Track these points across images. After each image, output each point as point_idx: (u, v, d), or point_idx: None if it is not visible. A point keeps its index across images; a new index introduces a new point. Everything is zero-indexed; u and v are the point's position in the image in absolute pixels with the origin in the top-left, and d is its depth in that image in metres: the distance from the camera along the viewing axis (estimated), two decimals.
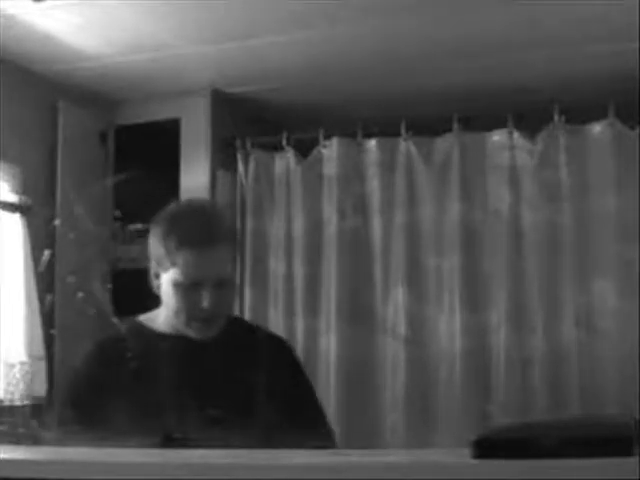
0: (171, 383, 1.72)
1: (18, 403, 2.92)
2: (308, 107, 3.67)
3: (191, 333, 1.80)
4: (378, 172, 3.38)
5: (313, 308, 3.37)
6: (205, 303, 1.75)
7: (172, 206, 1.96)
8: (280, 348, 1.95)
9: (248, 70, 3.33)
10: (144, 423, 1.57)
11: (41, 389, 3.03)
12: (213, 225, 1.82)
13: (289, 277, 3.43)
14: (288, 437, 1.38)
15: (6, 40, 2.86)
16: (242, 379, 1.79)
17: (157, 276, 1.81)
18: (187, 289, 1.75)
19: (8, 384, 2.89)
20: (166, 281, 1.77)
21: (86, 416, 1.70)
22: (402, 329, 3.26)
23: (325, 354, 3.32)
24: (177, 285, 1.75)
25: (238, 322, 2.04)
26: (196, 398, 1.69)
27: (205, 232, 1.78)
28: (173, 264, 1.75)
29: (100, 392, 1.74)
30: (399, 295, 3.28)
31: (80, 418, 1.71)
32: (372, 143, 3.41)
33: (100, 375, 1.78)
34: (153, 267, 1.81)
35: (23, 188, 3.11)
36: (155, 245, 1.80)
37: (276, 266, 3.46)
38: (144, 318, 1.90)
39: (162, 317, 1.84)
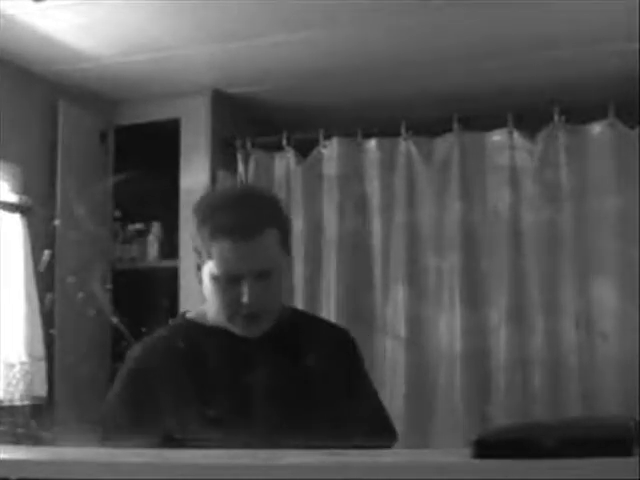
0: (218, 382, 1.64)
1: (18, 403, 2.92)
2: (308, 107, 3.67)
3: (236, 330, 1.66)
4: (378, 172, 3.38)
5: (313, 308, 3.37)
6: (245, 298, 1.60)
7: (210, 192, 1.84)
8: (342, 343, 1.78)
9: (248, 70, 3.33)
10: (194, 424, 1.53)
11: (41, 389, 3.03)
12: (253, 211, 1.64)
13: (289, 276, 3.43)
14: (349, 436, 1.31)
15: (6, 40, 2.86)
16: (295, 379, 1.66)
17: (199, 268, 1.68)
18: (225, 283, 1.62)
19: (8, 384, 2.89)
20: (205, 274, 1.65)
21: (139, 416, 1.61)
22: (402, 329, 3.26)
23: None
24: (214, 279, 1.63)
25: (293, 315, 1.81)
26: (244, 400, 1.61)
27: (243, 219, 1.61)
28: (209, 256, 1.62)
29: (152, 392, 1.64)
30: (399, 295, 3.28)
31: (134, 419, 1.62)
32: (372, 143, 3.41)
33: (151, 376, 1.68)
34: (195, 259, 1.68)
35: (23, 188, 3.11)
36: (193, 235, 1.67)
37: None
38: (194, 314, 1.77)
39: (209, 312, 1.72)
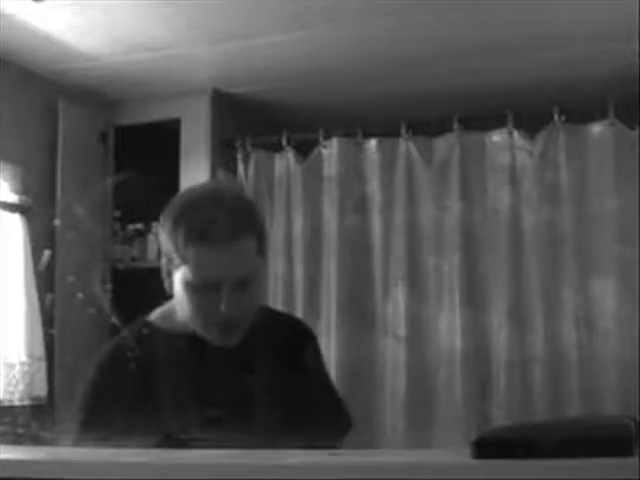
0: (186, 391, 1.54)
1: (18, 403, 2.92)
2: (308, 107, 3.67)
3: (211, 338, 1.56)
4: (378, 172, 3.38)
5: (313, 308, 3.37)
6: (223, 307, 1.49)
7: (184, 191, 1.70)
8: (304, 341, 1.75)
9: (248, 70, 3.33)
10: (156, 432, 1.41)
11: (41, 389, 3.03)
12: (231, 214, 1.50)
13: (289, 277, 3.43)
14: (308, 426, 1.31)
15: (6, 40, 2.86)
16: (265, 383, 1.59)
17: (169, 274, 1.57)
18: (201, 291, 1.51)
19: (8, 384, 2.89)
20: (178, 280, 1.54)
21: (103, 427, 1.47)
22: (402, 329, 3.26)
23: (325, 354, 3.31)
24: (189, 285, 1.51)
25: (263, 317, 1.66)
26: (213, 407, 1.51)
27: (221, 222, 1.47)
28: (184, 260, 1.50)
29: (114, 404, 1.53)
30: (399, 295, 3.28)
31: (98, 429, 1.48)
32: (372, 143, 3.41)
33: (113, 387, 1.57)
34: (164, 263, 1.58)
35: (23, 188, 3.11)
36: (163, 238, 1.55)
37: (276, 266, 3.45)
38: (155, 318, 1.66)
39: (176, 317, 1.60)
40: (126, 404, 1.52)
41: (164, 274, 1.60)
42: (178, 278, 1.54)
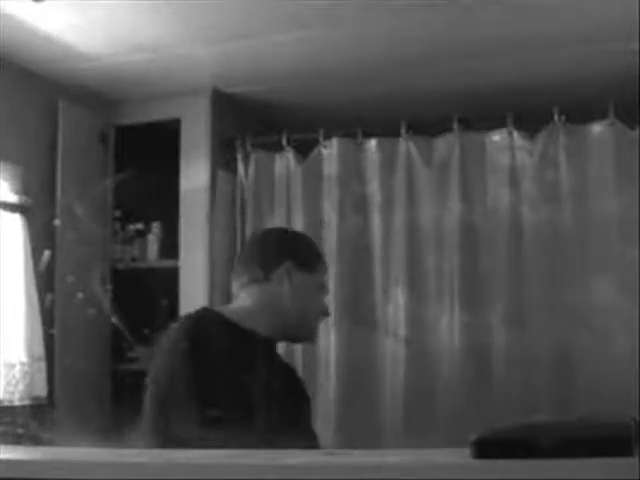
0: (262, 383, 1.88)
1: (18, 403, 2.92)
2: (308, 107, 3.67)
3: (309, 336, 2.15)
4: (378, 172, 3.38)
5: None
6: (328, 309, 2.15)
7: (303, 237, 2.33)
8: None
9: (248, 70, 3.33)
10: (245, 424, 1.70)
11: (41, 389, 3.03)
12: None
13: None
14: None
15: (6, 40, 2.86)
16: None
17: (281, 281, 2.05)
18: (323, 295, 2.13)
19: (8, 384, 2.89)
20: (304, 286, 2.06)
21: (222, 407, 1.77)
22: (402, 329, 3.25)
23: (325, 354, 3.32)
24: (321, 289, 2.11)
25: None
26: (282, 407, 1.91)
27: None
28: (314, 271, 2.10)
29: (225, 389, 1.83)
30: (399, 295, 3.28)
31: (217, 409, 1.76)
32: (372, 143, 3.41)
33: (219, 370, 1.86)
34: (279, 273, 2.05)
35: (23, 188, 3.11)
36: (304, 248, 2.15)
37: None
38: (230, 315, 2.03)
39: (266, 321, 2.03)
40: (232, 390, 1.83)
41: (288, 288, 2.06)
42: (305, 284, 2.08)
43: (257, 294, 2.07)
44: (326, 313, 2.16)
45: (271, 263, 2.08)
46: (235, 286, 2.13)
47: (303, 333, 2.14)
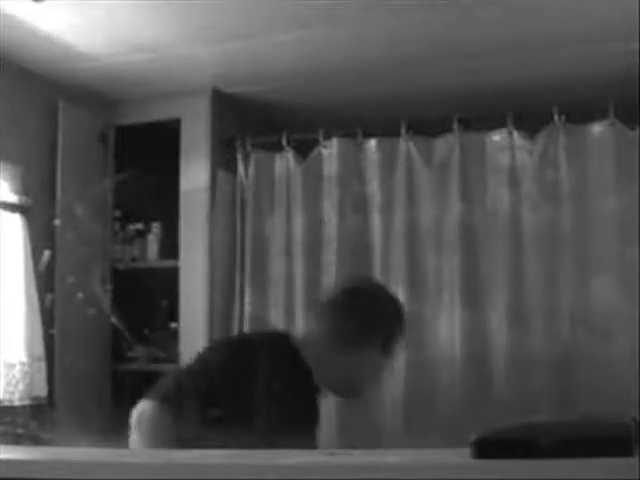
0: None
1: (18, 403, 2.92)
2: (308, 107, 3.67)
3: (355, 394, 2.38)
4: (378, 172, 3.38)
5: (313, 308, 3.36)
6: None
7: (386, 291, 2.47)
8: None
9: (248, 70, 3.33)
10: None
11: (41, 389, 3.03)
12: None
13: (289, 277, 3.43)
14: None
15: (6, 40, 2.86)
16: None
17: (357, 345, 2.21)
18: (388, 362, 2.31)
19: (8, 384, 2.89)
20: (374, 365, 2.28)
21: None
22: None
23: None
24: (384, 359, 2.28)
25: None
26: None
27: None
28: (390, 350, 2.29)
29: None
30: (399, 295, 3.27)
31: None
32: (372, 143, 3.41)
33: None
34: (355, 350, 2.21)
35: (23, 188, 3.11)
36: (392, 331, 2.32)
37: (276, 266, 3.45)
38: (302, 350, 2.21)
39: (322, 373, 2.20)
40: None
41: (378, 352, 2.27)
42: (376, 364, 2.30)
43: (328, 350, 2.22)
44: (379, 378, 2.35)
45: (357, 339, 2.23)
46: (312, 320, 2.38)
47: (349, 393, 2.35)
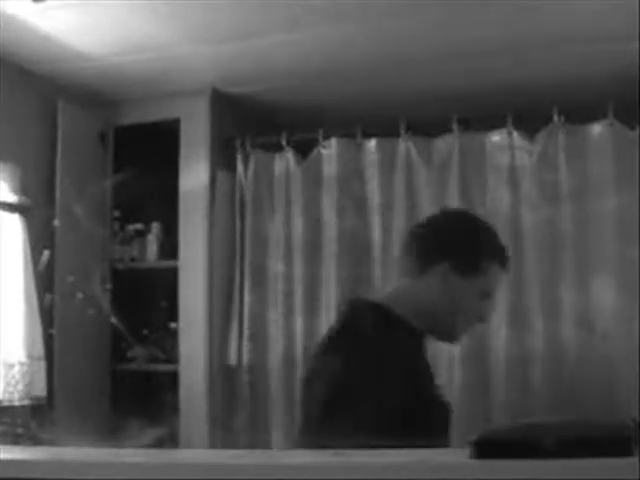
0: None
1: (17, 403, 2.92)
2: (308, 107, 3.67)
3: (455, 338, 2.08)
4: (378, 172, 3.38)
5: (313, 308, 3.37)
6: (491, 312, 2.06)
7: (475, 216, 2.09)
8: None
9: (248, 70, 3.33)
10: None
11: (41, 389, 3.03)
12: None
13: (289, 277, 3.43)
14: None
15: (6, 40, 2.86)
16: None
17: (433, 281, 1.90)
18: (485, 301, 1.98)
19: (7, 384, 2.89)
20: (459, 291, 1.91)
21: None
22: None
23: None
24: (483, 294, 1.95)
25: None
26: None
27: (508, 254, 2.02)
28: (475, 276, 1.92)
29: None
30: None
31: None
32: (372, 143, 3.41)
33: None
34: (432, 273, 1.91)
35: (22, 188, 3.11)
36: (467, 248, 1.94)
37: (276, 266, 3.46)
38: (398, 310, 1.91)
39: (414, 316, 1.91)
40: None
41: (446, 283, 1.92)
42: (461, 292, 1.93)
43: (409, 289, 1.95)
44: (482, 319, 2.02)
45: (427, 259, 1.93)
46: (398, 273, 2.06)
47: (446, 334, 2.04)
